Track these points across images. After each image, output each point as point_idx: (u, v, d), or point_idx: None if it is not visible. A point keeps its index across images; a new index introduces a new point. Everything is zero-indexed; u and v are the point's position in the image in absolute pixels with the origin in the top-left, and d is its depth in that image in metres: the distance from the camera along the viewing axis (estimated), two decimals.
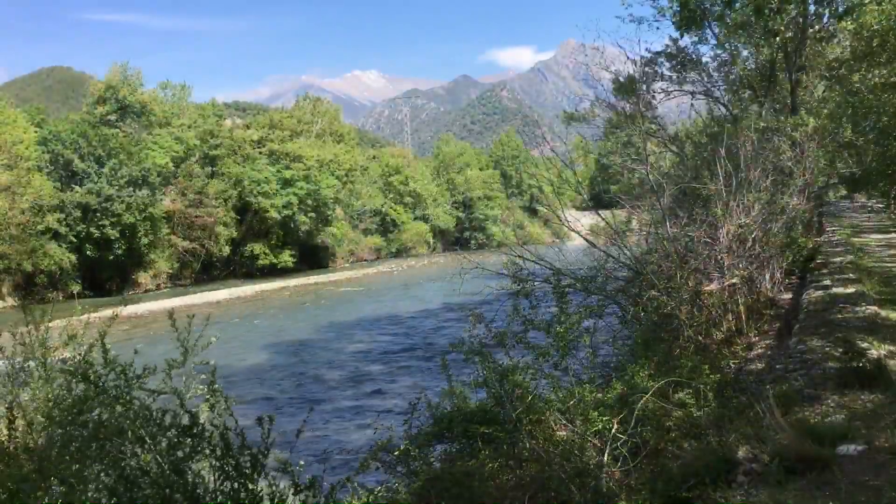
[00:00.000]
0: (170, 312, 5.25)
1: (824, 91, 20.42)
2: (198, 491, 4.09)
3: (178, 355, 5.23)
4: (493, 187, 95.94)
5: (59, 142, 46.16)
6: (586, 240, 12.16)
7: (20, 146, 41.76)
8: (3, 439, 4.12)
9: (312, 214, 61.79)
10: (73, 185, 45.48)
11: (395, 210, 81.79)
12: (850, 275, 12.50)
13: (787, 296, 12.76)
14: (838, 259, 14.89)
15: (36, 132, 45.40)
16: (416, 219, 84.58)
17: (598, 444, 6.36)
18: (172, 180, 54.54)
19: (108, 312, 6.28)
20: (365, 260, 74.56)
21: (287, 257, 60.38)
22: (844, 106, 17.80)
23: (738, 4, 18.76)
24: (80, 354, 5.06)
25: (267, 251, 59.89)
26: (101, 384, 4.65)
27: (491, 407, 7.19)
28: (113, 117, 54.41)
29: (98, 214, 45.53)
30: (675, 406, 6.63)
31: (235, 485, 4.20)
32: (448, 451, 7.40)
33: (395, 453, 6.89)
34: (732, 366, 9.14)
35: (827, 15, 17.85)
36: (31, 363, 5.07)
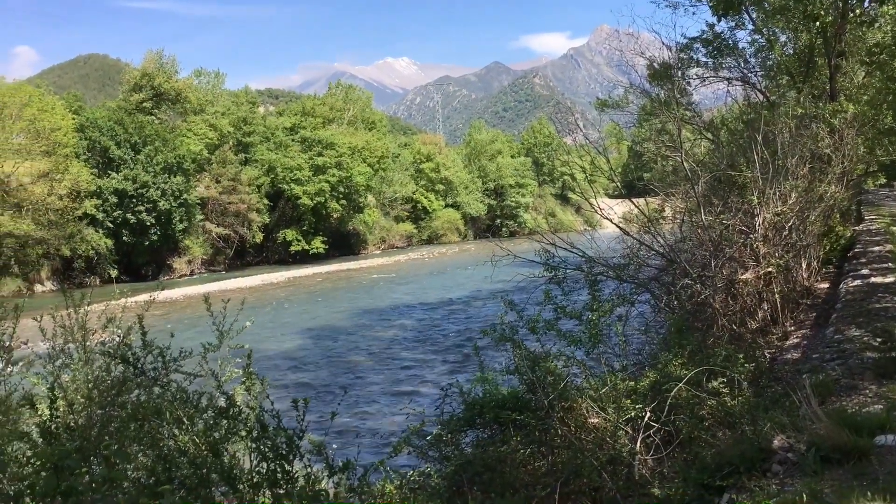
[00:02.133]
0: (205, 297, 5.34)
1: (864, 77, 19.97)
2: (234, 471, 4.15)
3: (214, 339, 5.32)
4: (525, 175, 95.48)
5: (97, 129, 46.82)
6: (619, 227, 12.06)
7: (58, 133, 42.42)
8: (46, 419, 4.21)
9: (344, 201, 62.08)
10: (110, 172, 46.15)
11: (426, 197, 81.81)
12: (889, 264, 12.28)
13: (825, 285, 12.58)
14: (877, 248, 14.63)
15: (73, 119, 46.06)
16: (447, 206, 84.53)
17: (631, 432, 6.35)
18: (206, 167, 55.12)
19: (144, 297, 6.39)
20: (396, 247, 74.80)
21: (319, 244, 60.76)
22: (885, 92, 17.43)
23: None
24: (118, 337, 5.16)
25: (299, 238, 60.32)
26: (139, 366, 4.74)
27: (522, 394, 7.19)
28: (148, 104, 55.03)
29: (134, 200, 46.20)
30: (708, 395, 6.58)
31: (272, 465, 4.26)
32: (479, 438, 7.42)
33: (427, 438, 6.93)
34: (767, 355, 9.04)
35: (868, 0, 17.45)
36: (71, 346, 5.17)
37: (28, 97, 42.43)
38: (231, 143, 58.12)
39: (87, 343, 5.13)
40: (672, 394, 6.28)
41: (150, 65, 56.28)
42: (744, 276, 10.41)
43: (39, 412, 4.18)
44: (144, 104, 54.80)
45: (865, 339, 6.95)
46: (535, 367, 7.01)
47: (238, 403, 4.51)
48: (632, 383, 6.93)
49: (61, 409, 4.36)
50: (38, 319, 5.19)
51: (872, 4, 17.71)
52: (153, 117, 53.71)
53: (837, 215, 16.33)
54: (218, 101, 61.34)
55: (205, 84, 64.04)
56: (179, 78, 57.84)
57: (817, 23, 16.64)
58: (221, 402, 4.56)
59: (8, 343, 5.39)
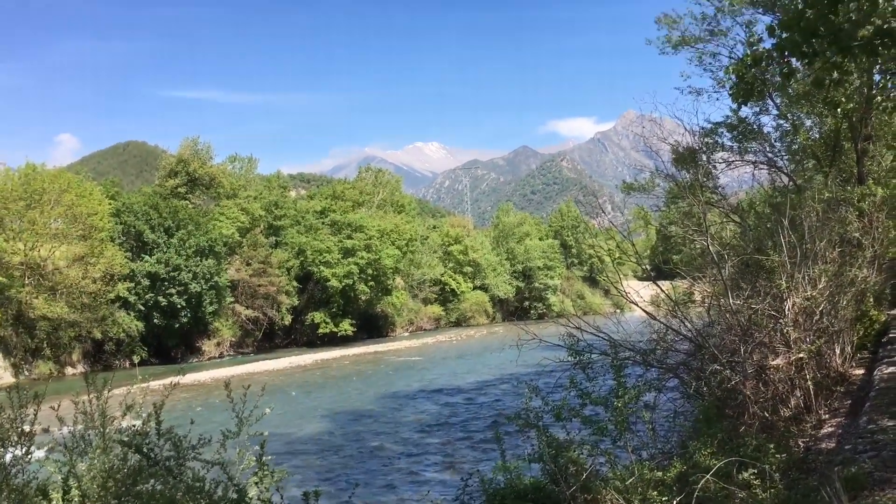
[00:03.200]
0: (226, 383, 5.34)
1: (893, 160, 19.95)
2: None
3: (234, 426, 5.29)
4: (553, 257, 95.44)
5: (132, 213, 47.95)
6: (645, 311, 11.94)
7: (95, 217, 43.48)
8: None
9: (372, 283, 62.36)
10: (144, 255, 47.00)
11: (454, 279, 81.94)
12: None
13: (860, 371, 12.27)
14: None
15: (110, 204, 47.30)
16: (475, 288, 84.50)
17: None
18: (238, 250, 55.92)
19: (168, 381, 6.41)
20: (424, 329, 74.60)
21: (347, 326, 60.81)
22: None
23: (799, 75, 18.64)
24: (137, 425, 5.16)
25: (327, 320, 60.45)
26: (153, 456, 4.71)
27: (545, 484, 7.02)
28: (183, 189, 56.42)
29: (166, 283, 46.81)
30: (738, 487, 6.37)
31: None
32: None
33: None
34: (801, 445, 8.77)
35: (891, 86, 17.58)
36: (91, 432, 5.17)
37: (67, 183, 43.69)
38: (262, 226, 59.10)
39: (106, 430, 5.13)
40: (699, 486, 6.09)
41: (185, 151, 57.98)
42: (775, 362, 10.19)
43: (53, 502, 4.15)
44: (179, 189, 56.19)
45: None
46: (558, 456, 6.86)
47: (251, 496, 4.45)
48: (659, 474, 6.74)
49: (75, 500, 4.33)
50: (56, 408, 5.21)
51: (894, 95, 17.79)
52: (187, 202, 54.98)
53: (871, 299, 16.04)
54: (250, 186, 62.77)
55: (238, 169, 65.72)
56: (214, 164, 59.41)
57: (839, 109, 16.74)
58: (232, 493, 4.50)
59: (29, 429, 5.40)
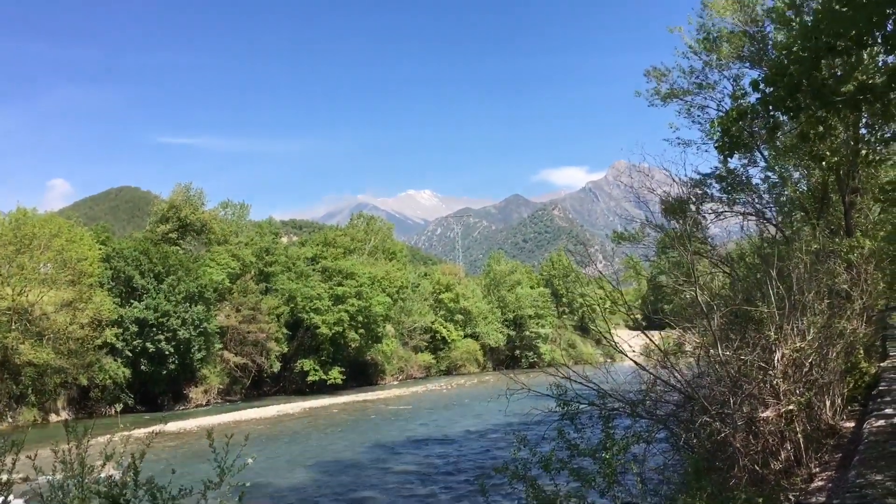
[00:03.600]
0: (208, 431, 5.28)
1: (880, 213, 20.15)
2: None
3: (216, 476, 5.22)
4: (544, 306, 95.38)
5: (122, 259, 47.84)
6: (634, 362, 11.93)
7: (84, 263, 43.32)
8: None
9: (363, 331, 62.07)
10: (133, 301, 46.74)
11: (445, 327, 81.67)
12: None
13: (850, 424, 12.21)
14: None
15: (100, 250, 47.19)
16: (466, 336, 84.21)
17: None
18: (228, 296, 55.70)
19: (152, 429, 6.33)
20: (414, 377, 74.09)
21: (336, 374, 60.34)
22: None
23: (786, 128, 18.93)
24: (116, 475, 5.08)
25: (317, 367, 59.97)
26: None
27: None
28: (174, 235, 56.44)
29: (154, 329, 46.47)
30: None
31: None
32: None
33: None
34: (792, 498, 8.68)
35: (874, 141, 17.86)
36: (69, 482, 5.08)
37: (57, 228, 43.64)
38: (253, 272, 58.99)
39: (85, 480, 5.05)
40: None
41: (177, 197, 58.14)
42: (764, 414, 10.14)
43: None
44: (170, 235, 56.21)
45: (888, 484, 6.67)
46: None
47: None
48: None
49: None
50: (32, 457, 5.13)
51: (878, 148, 18.09)
52: (178, 247, 54.94)
53: (861, 351, 16.04)
54: (242, 232, 62.82)
55: (230, 215, 65.82)
56: (206, 209, 59.53)
57: (824, 162, 16.98)
58: None
59: (6, 478, 5.31)
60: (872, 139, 17.84)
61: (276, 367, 57.74)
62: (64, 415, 41.93)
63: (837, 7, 7.43)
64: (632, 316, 15.17)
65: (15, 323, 40.16)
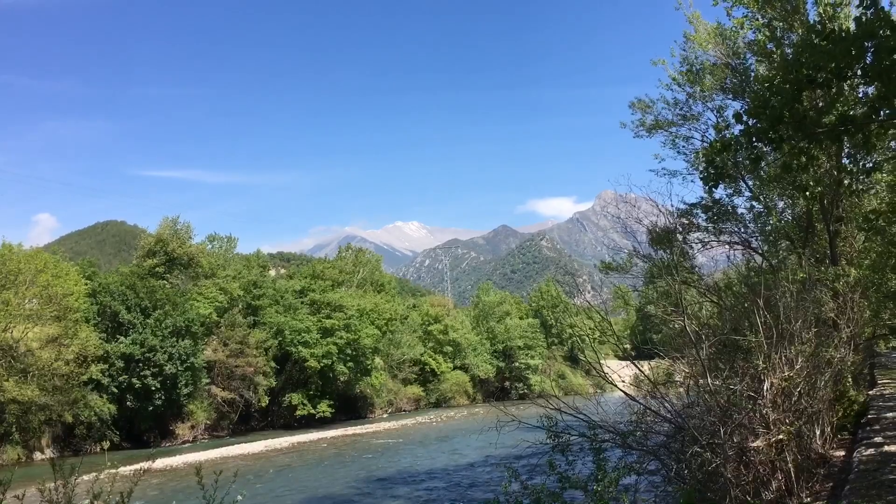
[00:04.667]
0: (196, 468, 5.26)
1: (864, 241, 20.35)
2: None
3: None
4: (534, 336, 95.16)
5: (108, 293, 47.54)
6: (624, 392, 11.93)
7: (70, 298, 43.04)
8: None
9: (351, 364, 61.77)
10: (119, 336, 46.37)
11: (434, 359, 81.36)
12: None
13: (841, 453, 12.24)
14: (890, 414, 14.32)
15: (86, 284, 46.92)
16: (455, 368, 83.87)
17: None
18: (215, 330, 55.38)
19: (138, 466, 6.28)
20: (404, 410, 73.64)
21: (325, 407, 59.89)
22: (886, 256, 17.68)
23: (770, 158, 19.16)
24: None
25: (305, 401, 59.54)
26: None
27: None
28: (161, 269, 56.15)
29: (140, 365, 46.05)
30: None
31: None
32: None
33: None
34: None
35: (856, 171, 18.11)
36: None
37: (43, 263, 43.39)
38: (241, 306, 58.75)
39: None
40: None
41: (164, 231, 57.95)
42: (755, 444, 10.16)
43: None
44: (157, 269, 55.92)
45: None
46: None
47: None
48: None
49: None
50: (20, 497, 5.09)
51: (861, 178, 18.33)
52: (165, 281, 54.67)
53: (849, 380, 16.11)
54: (229, 265, 62.60)
55: (217, 248, 65.66)
56: (193, 243, 59.34)
57: (807, 192, 17.18)
58: None
59: None
60: (855, 169, 18.07)
61: (265, 401, 57.26)
62: (49, 452, 41.34)
63: (817, 41, 7.61)
64: (621, 346, 15.22)
65: None
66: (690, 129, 23.18)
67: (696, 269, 22.71)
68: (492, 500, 8.27)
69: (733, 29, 19.65)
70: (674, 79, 22.48)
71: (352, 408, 65.59)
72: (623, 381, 12.76)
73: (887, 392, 18.88)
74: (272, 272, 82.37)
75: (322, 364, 59.33)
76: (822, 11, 16.02)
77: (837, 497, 8.97)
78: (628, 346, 24.51)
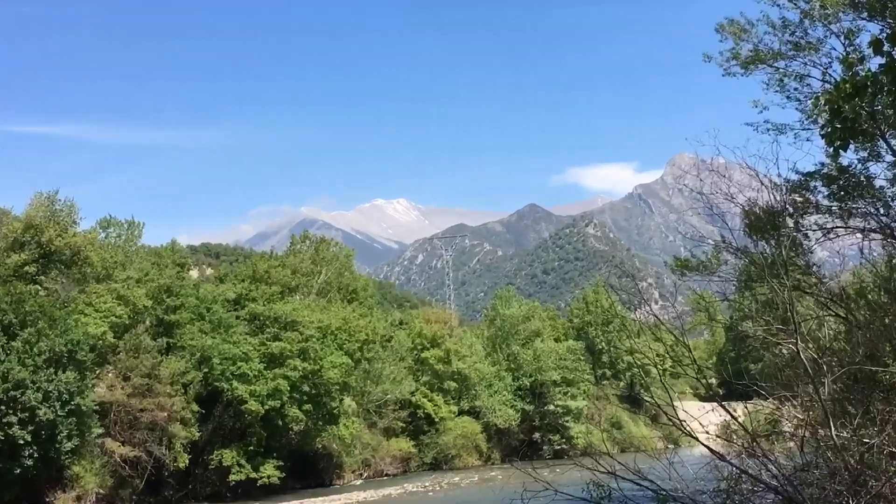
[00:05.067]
0: None
1: None
2: None
3: None
4: (576, 367, 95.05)
5: None
6: (709, 448, 11.97)
7: None
8: None
9: (310, 407, 61.85)
10: None
11: (431, 401, 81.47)
12: None
13: None
14: None
15: None
16: (461, 413, 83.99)
17: None
18: (111, 357, 55.39)
19: None
20: (387, 474, 73.89)
21: (272, 470, 60.05)
22: None
23: None
24: None
25: (243, 462, 59.67)
26: None
27: None
28: (32, 269, 56.07)
29: (2, 408, 46.04)
30: None
31: None
32: None
33: None
34: None
35: None
36: None
37: None
38: (148, 322, 58.77)
39: None
40: None
41: (36, 213, 57.66)
42: None
43: None
44: (27, 268, 55.84)
45: None
46: None
47: None
48: None
49: None
50: None
51: None
52: (38, 286, 54.61)
53: None
54: (132, 263, 62.58)
55: (115, 239, 65.65)
56: (79, 231, 59.19)
57: None
58: None
59: None
60: None
61: (183, 460, 57.34)
62: None
63: None
64: (704, 381, 15.22)
65: None
66: (806, 64, 23.13)
67: (815, 267, 22.67)
68: None
69: None
70: None
71: (310, 470, 65.82)
72: (707, 433, 12.79)
73: None
74: (194, 273, 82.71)
75: (267, 407, 59.39)
76: None
77: None
78: (714, 380, 24.53)
